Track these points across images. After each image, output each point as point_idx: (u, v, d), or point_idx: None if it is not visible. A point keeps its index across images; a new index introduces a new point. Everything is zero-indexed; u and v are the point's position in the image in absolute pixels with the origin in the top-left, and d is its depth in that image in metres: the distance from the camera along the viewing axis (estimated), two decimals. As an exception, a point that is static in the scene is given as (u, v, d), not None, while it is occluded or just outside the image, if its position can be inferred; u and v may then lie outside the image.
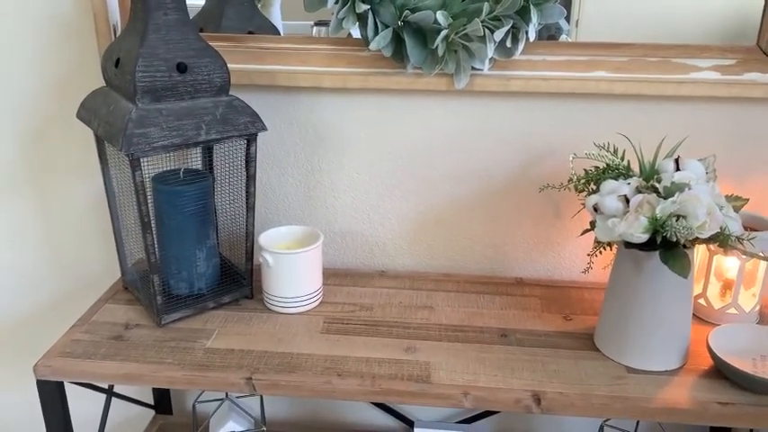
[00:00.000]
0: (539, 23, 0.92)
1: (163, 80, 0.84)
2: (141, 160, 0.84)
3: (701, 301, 0.96)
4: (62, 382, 0.88)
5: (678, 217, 0.75)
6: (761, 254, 0.85)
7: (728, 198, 0.84)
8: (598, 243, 0.84)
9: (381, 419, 1.27)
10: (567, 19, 0.97)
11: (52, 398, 0.88)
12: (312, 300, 0.98)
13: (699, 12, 0.97)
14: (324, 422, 1.30)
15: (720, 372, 0.83)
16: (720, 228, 0.76)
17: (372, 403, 1.24)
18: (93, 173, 1.14)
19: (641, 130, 1.01)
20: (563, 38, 1.00)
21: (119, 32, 1.01)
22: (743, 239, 0.78)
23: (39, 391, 0.87)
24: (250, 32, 1.05)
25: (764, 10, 0.95)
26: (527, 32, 0.93)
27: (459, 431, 1.10)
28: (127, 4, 0.98)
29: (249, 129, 0.90)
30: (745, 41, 0.97)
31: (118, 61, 0.87)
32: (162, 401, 1.27)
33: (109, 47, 0.92)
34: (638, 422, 1.13)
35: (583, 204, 0.86)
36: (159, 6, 0.84)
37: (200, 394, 1.17)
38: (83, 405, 1.13)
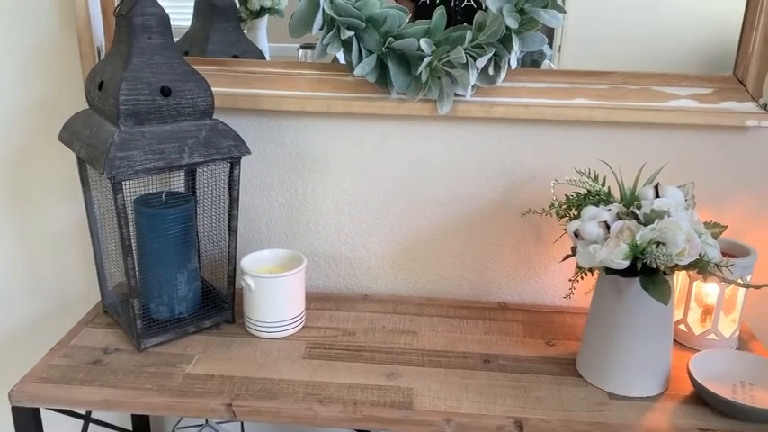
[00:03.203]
0: (521, 51, 0.94)
1: (146, 103, 0.84)
2: (123, 183, 0.83)
3: (682, 326, 0.97)
4: (38, 409, 0.86)
5: (658, 244, 0.76)
6: (739, 280, 0.86)
7: (707, 225, 0.85)
8: (579, 269, 0.85)
9: (363, 445, 1.25)
10: (550, 44, 0.99)
11: (27, 425, 0.86)
12: (294, 324, 0.98)
13: (678, 40, 0.99)
14: (305, 448, 1.28)
15: (701, 398, 0.84)
16: (699, 254, 0.77)
17: (355, 430, 1.22)
18: (75, 195, 1.13)
19: (621, 157, 1.02)
20: (546, 63, 1.02)
21: (103, 55, 1.00)
22: (722, 266, 0.79)
23: (13, 418, 0.85)
24: (235, 56, 1.05)
25: (740, 41, 0.97)
26: (509, 60, 0.94)
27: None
28: (111, 28, 0.98)
29: (233, 152, 0.90)
30: (722, 71, 0.99)
31: (101, 84, 0.87)
32: (141, 427, 1.24)
33: (92, 69, 0.91)
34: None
35: (564, 230, 0.87)
36: (144, 30, 0.84)
37: (180, 420, 1.16)
38: (60, 430, 1.11)
